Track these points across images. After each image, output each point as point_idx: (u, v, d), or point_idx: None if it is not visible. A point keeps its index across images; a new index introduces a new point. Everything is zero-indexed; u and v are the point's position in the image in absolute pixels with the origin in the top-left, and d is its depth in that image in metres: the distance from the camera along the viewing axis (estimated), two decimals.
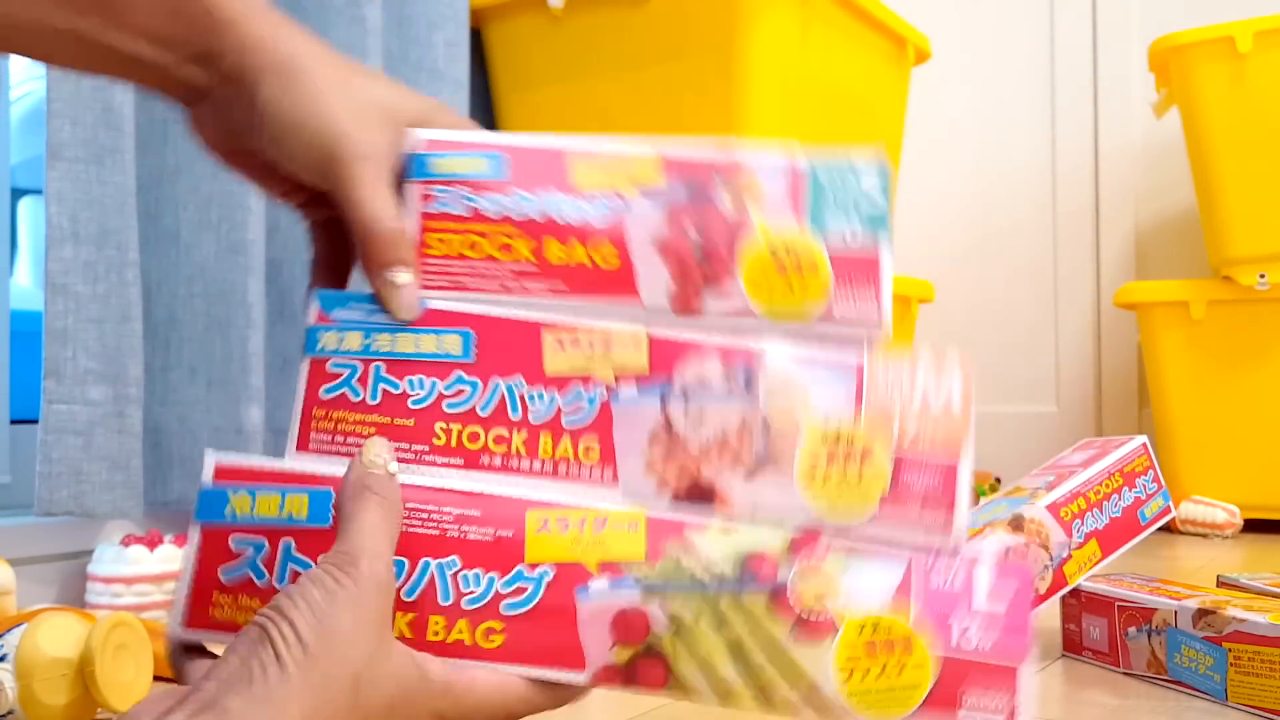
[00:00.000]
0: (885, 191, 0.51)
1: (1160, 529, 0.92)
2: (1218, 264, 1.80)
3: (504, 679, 0.44)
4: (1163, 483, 0.91)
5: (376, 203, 0.48)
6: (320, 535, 0.45)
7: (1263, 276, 1.72)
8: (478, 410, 0.47)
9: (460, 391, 0.48)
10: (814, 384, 0.47)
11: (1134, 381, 2.21)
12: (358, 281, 0.51)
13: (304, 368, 0.49)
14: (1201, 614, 0.78)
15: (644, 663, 0.44)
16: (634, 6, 1.53)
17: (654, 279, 0.49)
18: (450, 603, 0.45)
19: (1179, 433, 1.84)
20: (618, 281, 0.49)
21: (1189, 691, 0.79)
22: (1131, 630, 0.83)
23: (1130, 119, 2.22)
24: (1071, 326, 2.28)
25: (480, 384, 0.48)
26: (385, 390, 0.48)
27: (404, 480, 0.46)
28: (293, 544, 0.45)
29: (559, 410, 0.47)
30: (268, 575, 0.45)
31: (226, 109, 0.48)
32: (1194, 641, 0.78)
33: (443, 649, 0.44)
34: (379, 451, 0.45)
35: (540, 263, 0.50)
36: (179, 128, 1.22)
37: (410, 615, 0.45)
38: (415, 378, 0.48)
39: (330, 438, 0.48)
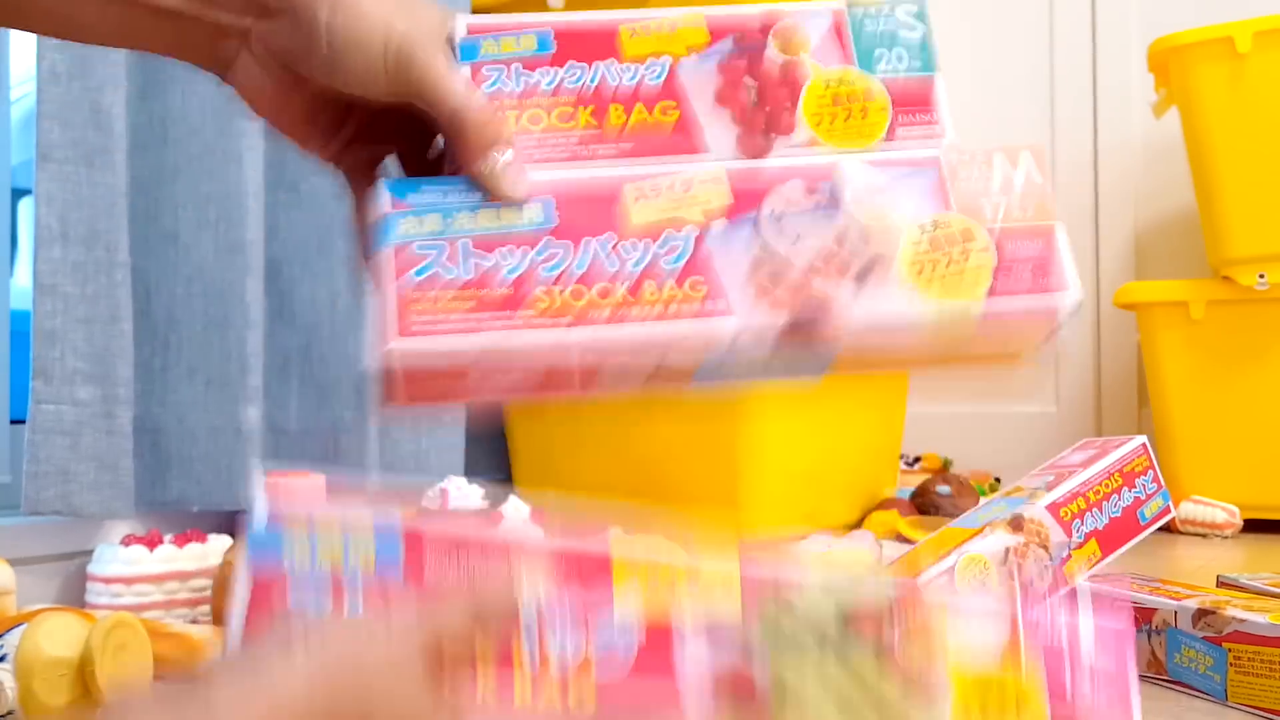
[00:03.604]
0: (925, 28, 0.53)
1: (1160, 529, 0.91)
2: (1217, 264, 1.80)
3: None
4: (1162, 483, 0.91)
5: (464, 90, 0.48)
6: (388, 589, 0.43)
7: (1262, 276, 1.72)
8: (574, 271, 0.47)
9: (553, 255, 0.47)
10: (897, 189, 0.48)
11: (1133, 381, 2.21)
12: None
13: (386, 256, 0.46)
14: (1201, 614, 0.78)
15: None
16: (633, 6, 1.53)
17: (717, 129, 0.51)
18: (536, 661, 0.42)
19: (1179, 433, 1.83)
20: (682, 136, 0.51)
21: (1189, 692, 0.79)
22: None
23: (1130, 119, 2.22)
24: (1071, 326, 2.27)
25: (571, 245, 0.47)
26: (477, 265, 0.46)
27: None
28: (360, 598, 0.43)
29: (655, 256, 0.47)
30: None
31: (273, 43, 0.49)
32: (1194, 641, 0.78)
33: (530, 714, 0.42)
34: (528, 594, 0.42)
35: (603, 128, 0.50)
36: (177, 128, 1.22)
37: (493, 679, 0.42)
38: (504, 249, 0.47)
39: (433, 318, 0.46)
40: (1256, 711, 0.73)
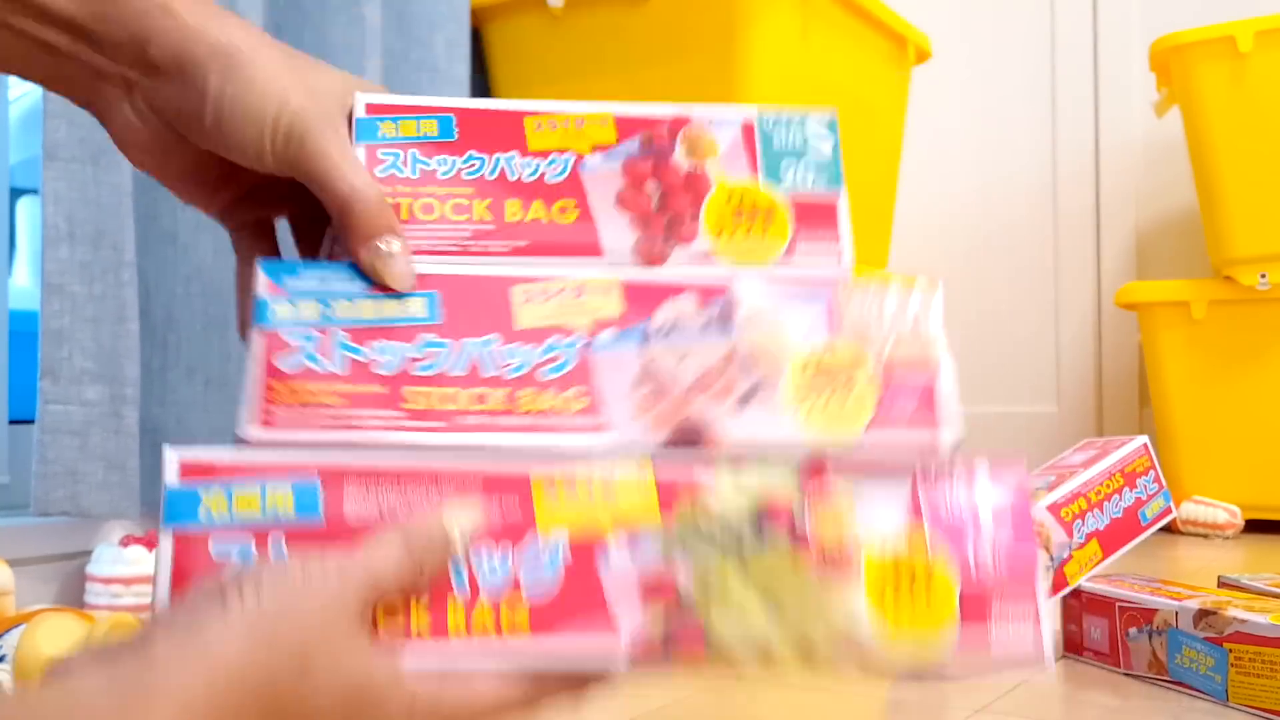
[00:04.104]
0: (835, 142, 0.52)
1: (1161, 529, 0.91)
2: (1219, 264, 1.80)
3: (510, 686, 0.42)
4: (1163, 483, 0.91)
5: (355, 174, 0.46)
6: (311, 531, 0.42)
7: (1264, 276, 1.72)
8: (450, 373, 0.45)
9: (430, 355, 0.46)
10: (789, 311, 0.48)
11: (1135, 382, 2.21)
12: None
13: (256, 339, 0.45)
14: (1202, 614, 0.77)
15: (679, 628, 0.43)
16: (634, 6, 1.53)
17: (616, 232, 0.49)
18: (466, 587, 0.43)
19: (1180, 433, 1.83)
20: (579, 237, 0.49)
21: (1190, 692, 0.79)
22: (1132, 631, 0.83)
23: (1131, 119, 2.22)
24: (1072, 326, 2.27)
25: (450, 345, 0.46)
26: (349, 358, 0.45)
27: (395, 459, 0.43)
28: (283, 541, 0.42)
29: (536, 364, 0.46)
30: None
31: (157, 101, 0.46)
32: (1195, 642, 0.78)
33: (466, 640, 0.42)
34: (459, 524, 0.42)
35: (498, 222, 0.49)
36: None
37: (426, 608, 0.42)
38: (379, 343, 0.45)
39: (295, 412, 0.44)
40: (1257, 712, 0.73)
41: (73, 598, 1.13)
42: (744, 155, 0.51)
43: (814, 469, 0.46)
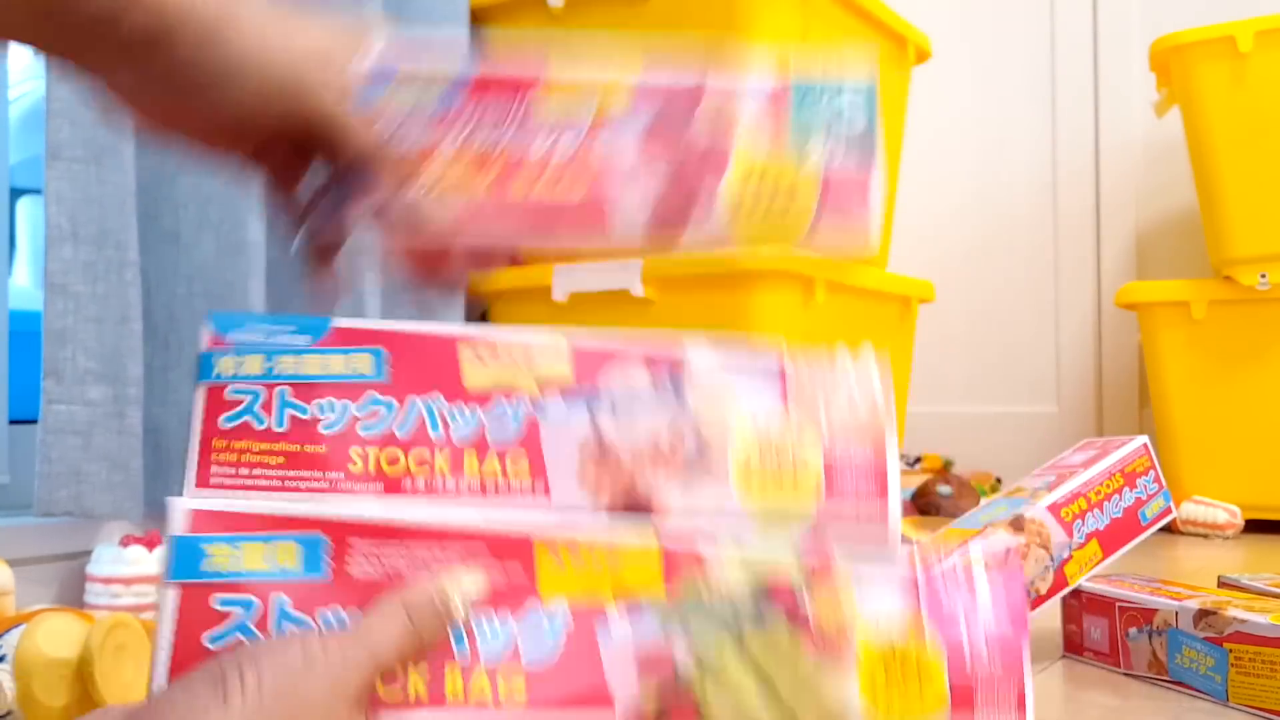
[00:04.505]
0: (871, 108, 0.49)
1: (1161, 529, 0.91)
2: (1219, 264, 1.80)
3: None
4: (1164, 483, 0.91)
5: (363, 129, 0.46)
6: (316, 588, 0.42)
7: (1264, 276, 1.72)
8: (395, 432, 0.45)
9: (375, 413, 0.45)
10: (739, 387, 0.47)
11: (1134, 382, 2.21)
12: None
13: (199, 395, 0.45)
14: (1202, 614, 0.77)
15: (674, 704, 0.42)
16: (633, 6, 1.53)
17: (630, 206, 0.48)
18: (466, 653, 0.42)
19: (1180, 433, 1.83)
20: (587, 215, 0.48)
21: (1190, 692, 0.79)
22: (1132, 631, 0.83)
23: (1131, 119, 2.22)
24: (1072, 326, 2.27)
25: (396, 403, 0.45)
26: (293, 416, 0.44)
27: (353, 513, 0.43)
28: (287, 601, 0.42)
29: (483, 427, 0.45)
30: (261, 638, 0.41)
31: (143, 71, 0.45)
32: (1195, 642, 0.78)
33: (463, 707, 0.42)
34: (462, 591, 0.42)
35: (497, 197, 0.48)
36: None
37: (424, 673, 0.42)
38: (325, 401, 0.45)
39: (234, 470, 0.44)
40: (1257, 712, 0.73)
41: (73, 598, 1.13)
42: (768, 124, 0.49)
43: (817, 549, 0.45)
